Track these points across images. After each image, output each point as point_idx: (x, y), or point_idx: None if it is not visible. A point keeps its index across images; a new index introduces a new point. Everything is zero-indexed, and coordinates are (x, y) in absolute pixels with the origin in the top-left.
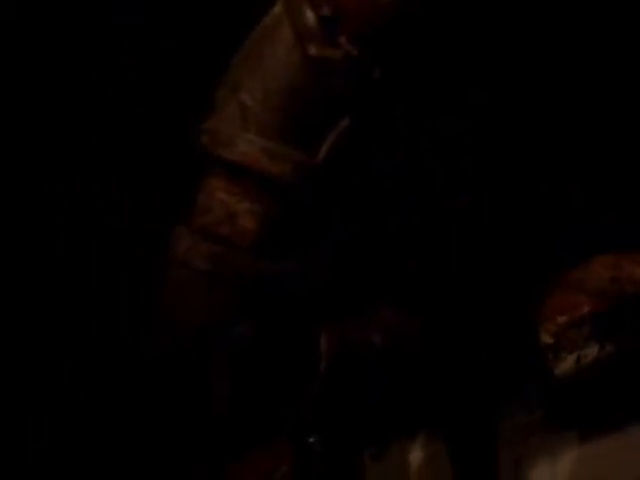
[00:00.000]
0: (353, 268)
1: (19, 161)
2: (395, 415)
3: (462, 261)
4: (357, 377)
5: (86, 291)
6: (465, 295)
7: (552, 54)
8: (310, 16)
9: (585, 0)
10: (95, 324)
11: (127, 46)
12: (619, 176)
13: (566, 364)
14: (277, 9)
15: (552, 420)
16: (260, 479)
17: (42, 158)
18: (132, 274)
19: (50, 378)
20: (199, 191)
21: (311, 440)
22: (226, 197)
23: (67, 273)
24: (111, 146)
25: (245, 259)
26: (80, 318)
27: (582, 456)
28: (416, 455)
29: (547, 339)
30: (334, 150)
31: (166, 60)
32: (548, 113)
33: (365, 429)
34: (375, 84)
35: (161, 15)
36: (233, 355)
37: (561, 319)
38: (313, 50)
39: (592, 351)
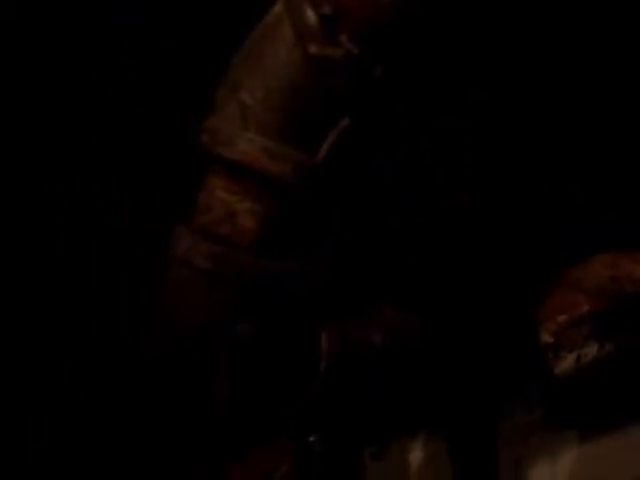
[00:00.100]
0: (354, 267)
1: (19, 161)
2: (395, 414)
3: (463, 260)
4: (357, 376)
5: (86, 291)
6: (466, 294)
7: (553, 53)
8: (311, 15)
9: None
10: (95, 324)
11: (127, 46)
12: (620, 174)
13: (566, 363)
14: (277, 8)
15: (552, 419)
16: (260, 479)
17: (42, 158)
18: (132, 274)
19: (50, 378)
20: (199, 190)
21: (311, 439)
22: (226, 196)
23: (67, 273)
24: (111, 146)
25: (245, 258)
26: (80, 318)
27: (582, 455)
28: (416, 455)
29: (547, 338)
30: (334, 149)
31: (166, 60)
32: (549, 112)
33: (365, 428)
34: (376, 83)
35: (161, 15)
36: (234, 354)
37: (561, 318)
38: (314, 49)
39: (592, 350)
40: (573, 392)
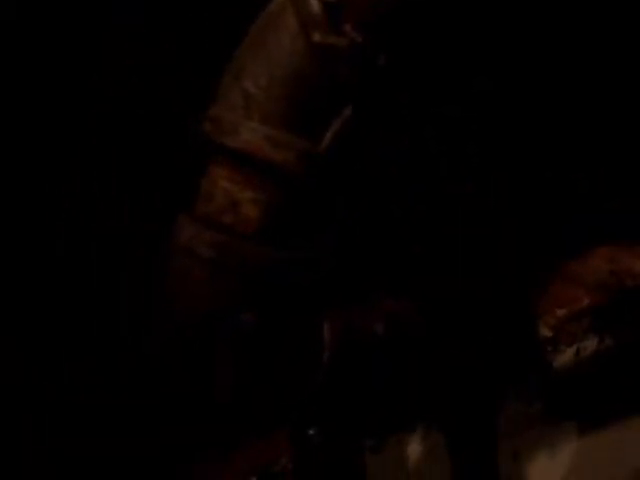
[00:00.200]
0: (357, 256)
1: (19, 161)
2: (395, 406)
3: (466, 248)
4: (360, 366)
5: (86, 291)
6: (467, 284)
7: (556, 42)
8: (315, 3)
9: None
10: (95, 324)
11: (127, 46)
12: (623, 163)
13: (565, 357)
14: None
15: (551, 412)
16: (260, 470)
17: (42, 158)
18: (132, 274)
19: (50, 378)
20: (202, 179)
21: (311, 431)
22: (229, 185)
23: (67, 273)
24: (111, 146)
25: (248, 247)
26: (80, 318)
27: (581, 448)
28: (414, 447)
29: (546, 332)
30: (338, 138)
31: (166, 60)
32: (552, 101)
33: (365, 420)
34: (379, 72)
35: (161, 15)
36: (236, 343)
37: (560, 312)
38: (318, 37)
39: (591, 344)
40: (572, 385)
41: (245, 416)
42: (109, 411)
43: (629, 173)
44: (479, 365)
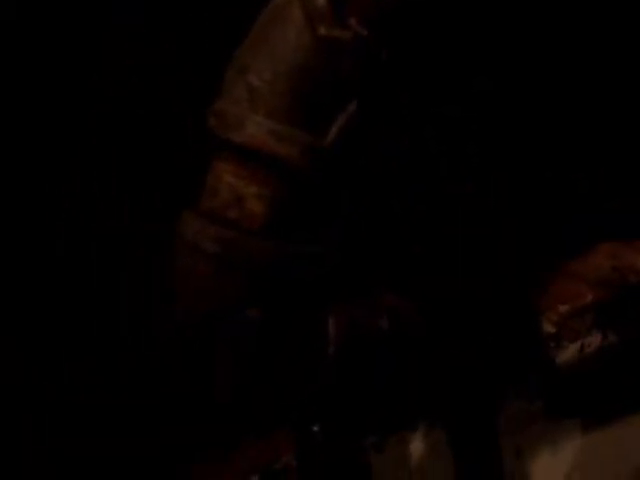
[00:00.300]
0: (359, 252)
1: (19, 161)
2: (398, 403)
3: (466, 247)
4: (364, 362)
5: (86, 291)
6: (468, 282)
7: (556, 41)
8: None
9: None
10: (95, 324)
11: (127, 46)
12: (623, 162)
13: (568, 353)
14: None
15: (554, 409)
16: (261, 469)
17: (42, 158)
18: (132, 274)
19: (50, 378)
20: (206, 175)
21: (315, 429)
22: (234, 180)
23: (67, 273)
24: (111, 146)
25: (253, 242)
26: (80, 318)
27: (584, 445)
28: (416, 445)
29: (549, 328)
30: (343, 133)
31: (166, 60)
32: (553, 100)
33: (368, 418)
34: (383, 66)
35: (161, 15)
36: (239, 341)
37: (563, 308)
38: (323, 30)
39: (595, 340)
40: (575, 382)
41: (247, 414)
42: (109, 411)
43: (629, 172)
44: (481, 362)
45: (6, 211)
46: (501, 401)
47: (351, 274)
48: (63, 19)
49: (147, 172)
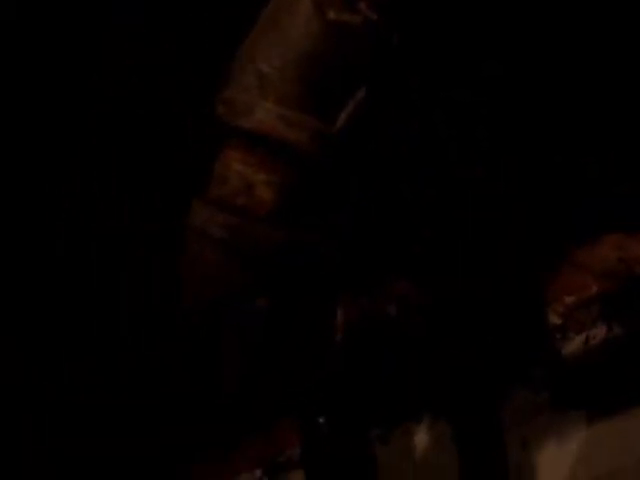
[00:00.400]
0: (369, 238)
1: (19, 161)
2: (401, 397)
3: (475, 233)
4: (372, 352)
5: (86, 291)
6: (475, 271)
7: (567, 26)
8: None
9: None
10: (95, 324)
11: (127, 46)
12: (633, 147)
13: (574, 345)
14: None
15: (560, 400)
16: (264, 463)
17: (42, 158)
18: (132, 274)
19: (50, 378)
20: (214, 163)
21: (320, 420)
22: (243, 168)
23: (67, 273)
24: (111, 146)
25: (261, 229)
26: (80, 318)
27: (589, 436)
28: (421, 437)
29: (555, 319)
30: (352, 119)
31: (166, 60)
32: (563, 84)
33: (374, 409)
34: (392, 51)
35: (161, 15)
36: (245, 329)
37: (569, 299)
38: (332, 15)
39: (600, 331)
40: (581, 373)
41: (252, 404)
42: (109, 411)
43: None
44: (486, 354)
45: (6, 211)
46: (507, 393)
47: (360, 260)
48: (63, 19)
49: (147, 172)
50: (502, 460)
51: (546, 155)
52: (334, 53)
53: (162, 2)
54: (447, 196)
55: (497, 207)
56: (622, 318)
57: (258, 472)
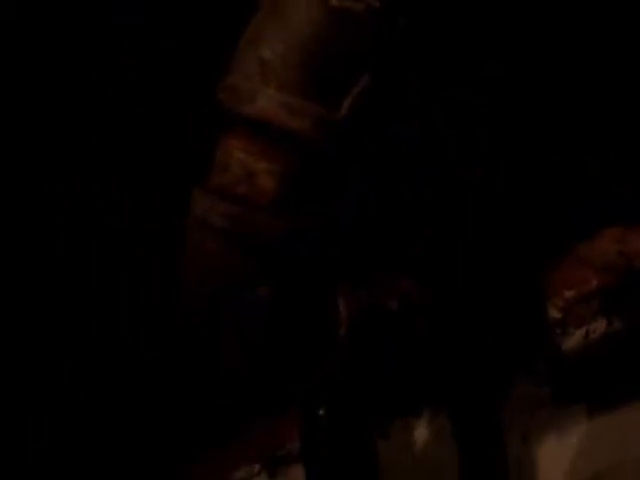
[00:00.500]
0: (368, 233)
1: (19, 161)
2: (402, 391)
3: (475, 231)
4: (373, 345)
5: (86, 291)
6: (475, 267)
7: (567, 25)
8: None
9: None
10: (95, 324)
11: (127, 46)
12: (633, 146)
13: (574, 339)
14: None
15: (560, 395)
16: (264, 457)
17: (42, 158)
18: (132, 274)
19: (50, 378)
20: (216, 151)
21: (321, 412)
22: (244, 156)
23: (67, 273)
24: (111, 146)
25: (263, 218)
26: (80, 318)
27: (590, 431)
28: (421, 432)
29: (555, 314)
30: (356, 106)
31: (166, 60)
32: (563, 84)
33: (375, 404)
34: (395, 39)
35: (161, 15)
36: (247, 319)
37: (569, 294)
38: (334, 1)
39: (600, 326)
40: (581, 368)
41: (253, 395)
42: (109, 411)
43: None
44: (487, 348)
45: (6, 211)
46: (507, 387)
47: (360, 253)
48: (63, 19)
49: (147, 172)
50: (502, 455)
51: (546, 155)
52: (337, 40)
53: (162, 2)
54: (447, 196)
55: (497, 207)
56: (622, 312)
57: (257, 466)
